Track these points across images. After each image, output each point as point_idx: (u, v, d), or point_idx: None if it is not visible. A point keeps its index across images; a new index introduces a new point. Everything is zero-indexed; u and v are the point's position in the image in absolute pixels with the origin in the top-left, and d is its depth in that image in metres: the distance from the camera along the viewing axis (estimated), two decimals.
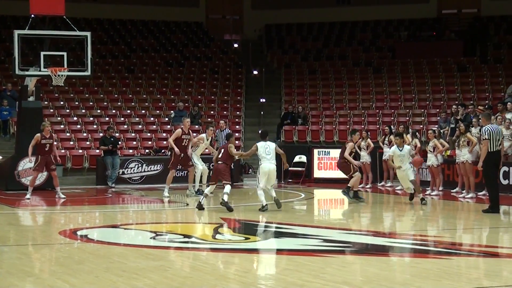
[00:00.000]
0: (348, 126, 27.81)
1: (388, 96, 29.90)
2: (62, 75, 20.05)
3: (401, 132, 19.19)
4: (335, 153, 24.35)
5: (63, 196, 18.41)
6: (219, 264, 9.52)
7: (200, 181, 19.26)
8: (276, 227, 13.23)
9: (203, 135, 19.58)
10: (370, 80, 31.08)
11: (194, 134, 19.72)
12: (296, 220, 14.57)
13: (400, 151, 17.00)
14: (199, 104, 28.92)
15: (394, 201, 19.29)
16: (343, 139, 27.48)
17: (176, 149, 18.42)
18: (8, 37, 27.80)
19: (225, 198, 15.13)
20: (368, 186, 22.17)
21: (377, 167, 22.87)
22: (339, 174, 23.98)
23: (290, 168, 24.84)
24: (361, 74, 31.58)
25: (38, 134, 18.36)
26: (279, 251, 10.71)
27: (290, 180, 24.63)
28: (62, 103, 27.49)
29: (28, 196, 18.23)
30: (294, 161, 24.98)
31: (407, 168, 16.96)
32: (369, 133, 23.51)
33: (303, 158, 24.81)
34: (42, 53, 20.13)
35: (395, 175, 21.86)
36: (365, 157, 22.22)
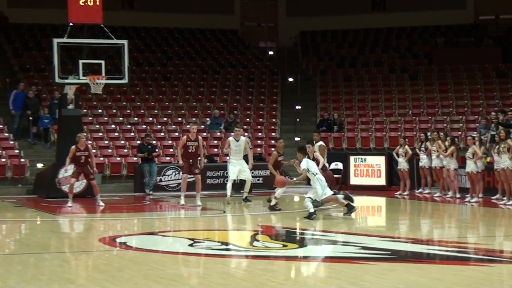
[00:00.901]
0: (384, 133, 27.69)
1: (425, 103, 29.69)
2: (100, 83, 20.22)
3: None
4: (372, 160, 24.34)
5: (102, 204, 18.56)
6: (257, 271, 9.52)
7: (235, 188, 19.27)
8: (314, 234, 13.19)
9: (230, 138, 19.64)
10: (406, 87, 30.90)
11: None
12: (334, 227, 14.51)
13: None
14: (235, 112, 28.98)
15: (433, 208, 19.14)
16: (379, 146, 27.39)
17: (179, 156, 18.48)
18: (48, 46, 28.16)
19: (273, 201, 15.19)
20: (406, 193, 22.03)
21: (415, 174, 22.71)
22: (376, 181, 24.04)
23: None
24: (397, 80, 31.41)
25: (74, 147, 18.51)
26: (317, 259, 10.67)
27: None
28: (100, 111, 27.73)
29: (69, 204, 18.38)
30: (330, 168, 24.88)
31: None
32: (407, 140, 23.38)
33: (339, 165, 24.72)
34: (80, 62, 20.33)
35: (433, 182, 21.78)
36: (402, 164, 22.11)
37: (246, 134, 24.48)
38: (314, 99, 31.23)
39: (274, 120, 29.42)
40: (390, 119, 28.66)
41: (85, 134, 19.30)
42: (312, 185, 15.06)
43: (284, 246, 11.95)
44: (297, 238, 13.22)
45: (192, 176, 18.65)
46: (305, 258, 10.85)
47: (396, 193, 22.03)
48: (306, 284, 8.72)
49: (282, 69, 33.23)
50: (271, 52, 35.11)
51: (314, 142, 17.80)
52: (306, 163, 15.12)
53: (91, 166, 18.71)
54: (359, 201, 21.36)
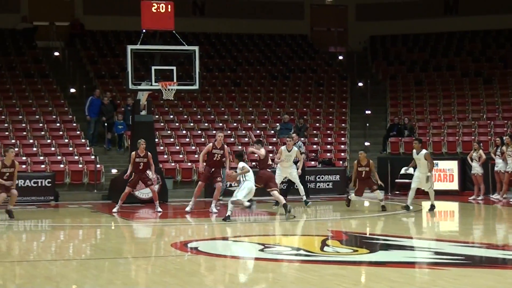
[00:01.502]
0: (457, 137, 27.26)
1: (500, 107, 29.14)
2: (172, 89, 20.46)
3: None
4: (444, 164, 24.03)
5: (159, 209, 18.71)
6: (327, 276, 9.49)
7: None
8: (384, 239, 13.08)
9: (283, 147, 19.65)
10: (480, 91, 30.37)
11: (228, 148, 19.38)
12: (405, 232, 14.36)
13: None
14: (305, 117, 28.95)
15: (508, 213, 18.75)
16: (452, 150, 26.99)
17: (201, 162, 18.54)
18: (122, 52, 28.67)
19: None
20: (480, 198, 21.66)
21: (489, 179, 22.31)
22: (449, 186, 23.69)
23: (397, 180, 24.57)
24: (470, 84, 30.90)
25: (134, 153, 18.83)
26: (388, 264, 10.58)
27: (397, 192, 24.31)
28: (171, 116, 28.06)
29: (115, 210, 18.56)
30: (400, 173, 24.63)
31: None
32: (481, 144, 22.99)
33: (410, 170, 24.41)
34: (153, 68, 20.63)
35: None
36: (476, 168, 21.78)
37: (302, 139, 24.46)
38: (384, 103, 30.97)
39: (343, 125, 29.29)
40: (463, 123, 28.21)
41: (144, 141, 19.32)
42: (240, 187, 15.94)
43: (355, 251, 11.90)
44: (368, 243, 13.13)
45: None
46: (376, 263, 10.77)
47: (469, 198, 21.69)
48: None
49: (351, 73, 33.05)
50: (340, 57, 34.96)
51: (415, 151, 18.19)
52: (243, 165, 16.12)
53: (150, 172, 18.99)
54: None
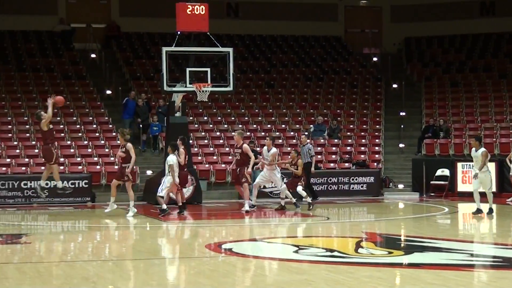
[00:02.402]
0: (494, 139, 27.00)
1: None
2: (206, 91, 20.56)
3: None
4: None
5: (134, 210, 18.31)
6: (362, 278, 9.46)
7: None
8: (420, 241, 13.01)
9: (264, 148, 19.81)
10: None
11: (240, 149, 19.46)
12: (440, 234, 14.26)
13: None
14: (338, 118, 28.88)
15: None
16: (489, 152, 26.69)
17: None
18: (157, 54, 28.85)
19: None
20: None
21: None
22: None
23: (432, 182, 24.42)
24: (508, 86, 30.57)
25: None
26: (423, 266, 10.52)
27: (432, 194, 24.16)
28: (205, 118, 28.18)
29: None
30: (436, 174, 24.53)
31: None
32: None
33: (446, 172, 24.30)
34: (187, 69, 20.73)
35: None
36: None
37: (335, 141, 24.43)
38: (419, 105, 30.77)
39: (378, 126, 29.16)
40: (500, 125, 27.93)
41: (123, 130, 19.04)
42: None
43: (390, 253, 11.85)
44: (403, 245, 13.07)
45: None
46: (411, 265, 10.72)
47: (507, 200, 21.47)
48: None
49: (386, 75, 32.90)
50: (375, 59, 34.81)
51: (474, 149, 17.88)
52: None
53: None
54: (467, 208, 20.93)
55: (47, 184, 19.27)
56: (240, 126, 27.84)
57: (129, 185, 18.08)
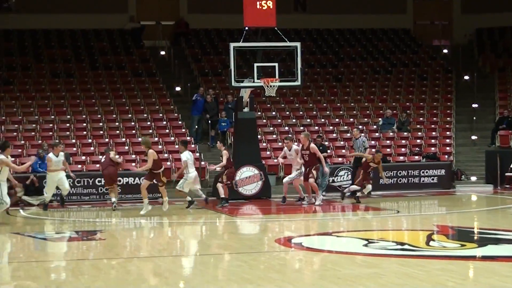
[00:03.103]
0: None
1: None
2: (274, 86, 20.58)
3: None
4: None
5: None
6: (434, 271, 9.34)
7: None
8: (494, 234, 12.76)
9: (285, 148, 20.31)
10: None
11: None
12: None
13: None
14: (408, 111, 28.55)
15: None
16: None
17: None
18: (224, 50, 29.01)
19: None
20: None
21: None
22: None
23: (507, 174, 23.95)
24: None
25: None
26: (498, 258, 10.33)
27: (507, 186, 23.68)
28: (274, 113, 28.22)
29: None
30: (511, 166, 24.04)
31: None
32: None
33: None
34: (255, 65, 20.78)
35: None
36: None
37: (404, 134, 24.14)
38: (491, 96, 30.19)
39: (448, 118, 28.72)
40: None
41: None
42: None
43: (462, 245, 11.67)
44: (476, 237, 12.85)
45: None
46: (485, 257, 10.54)
47: None
48: (488, 284, 8.44)
49: (456, 67, 32.37)
50: (445, 50, 34.28)
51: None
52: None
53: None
54: None
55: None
56: (308, 120, 27.79)
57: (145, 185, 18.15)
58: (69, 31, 31.71)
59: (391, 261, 10.33)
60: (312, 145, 19.43)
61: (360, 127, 24.41)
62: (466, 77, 31.37)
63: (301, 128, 27.31)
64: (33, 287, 8.60)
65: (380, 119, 27.78)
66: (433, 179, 23.96)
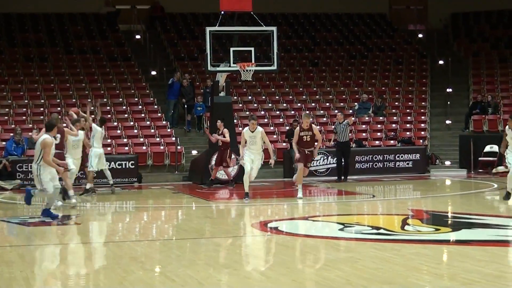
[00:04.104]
0: None
1: None
2: (250, 70, 20.57)
3: None
4: None
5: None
6: (409, 255, 9.42)
7: None
8: (467, 218, 12.89)
9: (245, 129, 17.05)
10: None
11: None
12: (489, 211, 14.10)
13: None
14: (383, 96, 28.68)
15: None
16: None
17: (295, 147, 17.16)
18: (200, 34, 28.89)
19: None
20: None
21: None
22: None
23: (480, 158, 24.16)
24: None
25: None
26: (471, 242, 10.44)
27: (480, 171, 23.91)
28: (250, 97, 28.22)
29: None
30: (484, 151, 24.26)
31: None
32: None
33: (495, 148, 24.01)
34: (231, 49, 20.75)
35: None
36: None
37: (380, 118, 24.28)
38: (466, 81, 30.41)
39: (423, 103, 28.90)
40: None
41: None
42: None
43: (437, 230, 11.78)
44: (450, 221, 12.97)
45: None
46: (459, 242, 10.64)
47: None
48: (462, 268, 8.53)
49: (432, 52, 32.53)
50: (420, 35, 34.42)
51: None
52: None
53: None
54: None
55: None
56: (284, 105, 27.83)
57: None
58: (43, 15, 31.40)
59: (367, 245, 10.40)
60: (313, 125, 18.75)
61: (339, 113, 24.02)
62: (441, 62, 31.54)
63: (277, 112, 27.36)
64: (7, 272, 8.55)
65: (356, 103, 27.89)
66: (408, 164, 24.14)
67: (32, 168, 14.07)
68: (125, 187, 21.35)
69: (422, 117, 27.89)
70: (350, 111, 27.65)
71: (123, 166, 22.38)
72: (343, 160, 22.18)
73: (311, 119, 18.10)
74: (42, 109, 25.90)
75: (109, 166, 21.82)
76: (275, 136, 25.72)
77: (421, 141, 26.19)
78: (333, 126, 25.27)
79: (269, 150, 17.31)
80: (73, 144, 17.04)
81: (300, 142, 16.85)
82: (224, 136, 20.16)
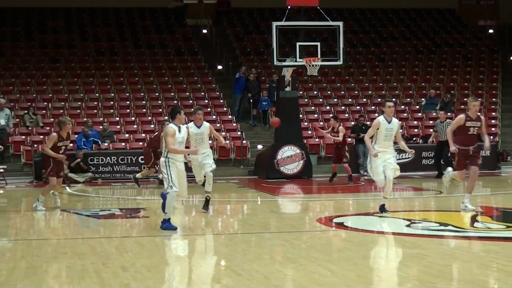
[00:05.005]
0: None
1: None
2: (316, 65, 20.51)
3: None
4: None
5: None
6: (479, 252, 9.26)
7: None
8: None
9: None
10: None
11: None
12: None
13: None
14: (452, 92, 28.24)
15: None
16: None
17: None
18: (267, 29, 28.93)
19: None
20: None
21: None
22: None
23: None
24: None
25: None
26: None
27: None
28: (315, 92, 28.13)
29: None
30: None
31: None
32: None
33: None
34: (297, 44, 20.71)
35: None
36: None
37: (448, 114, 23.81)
38: None
39: (494, 99, 28.36)
40: None
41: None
42: None
43: (508, 227, 11.54)
44: None
45: None
46: None
47: None
48: None
49: (503, 47, 31.88)
50: (491, 31, 33.76)
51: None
52: None
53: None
54: None
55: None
56: (349, 100, 27.66)
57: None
58: (113, 9, 31.91)
59: (435, 242, 10.25)
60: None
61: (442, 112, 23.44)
62: None
63: (343, 107, 27.20)
64: (80, 264, 8.71)
65: (423, 99, 27.53)
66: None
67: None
68: (191, 181, 21.47)
69: (493, 113, 27.38)
70: (417, 106, 27.32)
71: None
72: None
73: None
74: (112, 102, 26.31)
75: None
76: None
77: (491, 137, 25.68)
78: (399, 122, 24.92)
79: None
80: None
81: (461, 135, 12.93)
82: (338, 135, 19.58)
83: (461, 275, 7.93)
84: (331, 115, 26.50)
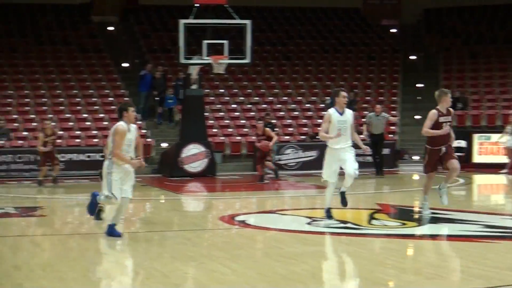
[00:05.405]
0: None
1: None
2: (223, 63, 20.53)
3: None
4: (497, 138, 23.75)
5: None
6: (376, 250, 9.47)
7: None
8: (433, 213, 12.95)
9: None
10: None
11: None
12: (454, 206, 14.19)
13: None
14: (355, 90, 28.76)
15: None
16: (506, 123, 26.53)
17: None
18: (174, 27, 28.76)
19: None
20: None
21: None
22: (502, 159, 23.38)
23: None
24: None
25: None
26: (437, 237, 10.51)
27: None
28: (222, 90, 28.16)
29: None
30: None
31: None
32: None
33: (462, 143, 24.20)
34: (204, 42, 20.69)
35: None
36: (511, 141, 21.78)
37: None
38: (436, 76, 30.57)
39: (394, 98, 29.03)
40: None
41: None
42: None
43: (403, 224, 11.84)
44: (416, 216, 13.04)
45: None
46: (425, 236, 10.71)
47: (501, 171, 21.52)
48: (427, 262, 8.59)
49: (404, 47, 32.68)
50: (393, 30, 34.55)
51: None
52: None
53: None
54: (482, 179, 20.86)
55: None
56: (256, 98, 27.80)
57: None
58: (13, 5, 31.06)
59: (334, 240, 10.42)
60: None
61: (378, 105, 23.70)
62: (412, 57, 31.68)
63: (249, 106, 27.33)
64: None
65: (327, 97, 27.88)
66: (377, 158, 24.13)
67: None
68: (94, 179, 21.21)
69: (393, 112, 27.98)
70: (322, 104, 27.69)
71: (92, 158, 22.23)
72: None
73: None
74: (10, 100, 25.65)
75: (78, 158, 21.75)
76: (246, 130, 25.70)
77: (391, 135, 26.27)
78: (304, 120, 25.28)
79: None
80: None
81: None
82: (271, 139, 19.36)
83: (358, 272, 8.08)
84: (237, 113, 26.76)
